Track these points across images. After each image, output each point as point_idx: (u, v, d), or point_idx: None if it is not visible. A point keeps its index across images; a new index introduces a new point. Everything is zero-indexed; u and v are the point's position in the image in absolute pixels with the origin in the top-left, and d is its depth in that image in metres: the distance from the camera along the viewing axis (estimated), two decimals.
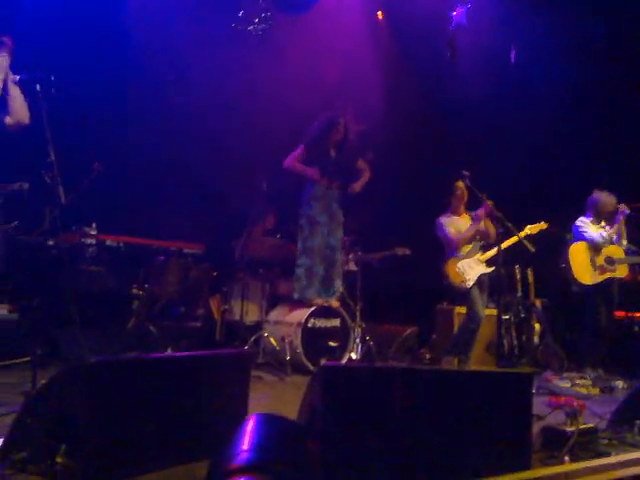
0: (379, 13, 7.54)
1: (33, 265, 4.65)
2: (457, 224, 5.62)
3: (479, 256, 5.51)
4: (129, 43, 6.01)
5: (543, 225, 5.56)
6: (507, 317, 5.90)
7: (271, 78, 6.74)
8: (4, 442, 2.21)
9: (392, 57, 7.30)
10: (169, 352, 5.21)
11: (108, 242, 5.30)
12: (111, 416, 2.25)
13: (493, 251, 5.41)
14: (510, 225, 4.84)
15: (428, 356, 6.07)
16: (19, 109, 3.62)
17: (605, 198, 5.80)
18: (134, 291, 5.48)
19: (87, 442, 2.17)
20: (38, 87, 3.38)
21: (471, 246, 5.56)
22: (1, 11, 5.16)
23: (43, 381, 3.41)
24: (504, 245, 5.12)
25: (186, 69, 6.51)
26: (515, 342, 5.86)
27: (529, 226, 5.49)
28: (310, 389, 2.56)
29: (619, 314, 6.09)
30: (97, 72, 5.90)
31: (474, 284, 5.38)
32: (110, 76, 6.00)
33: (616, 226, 5.71)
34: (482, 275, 5.44)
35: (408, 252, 6.13)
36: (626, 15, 6.32)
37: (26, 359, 3.89)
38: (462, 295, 5.51)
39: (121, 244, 5.40)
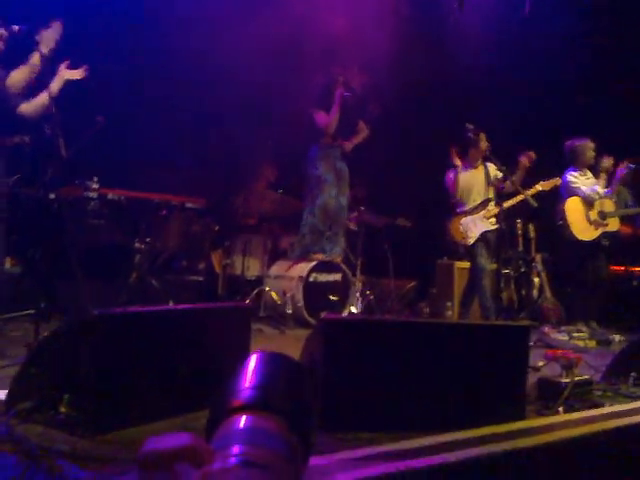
0: None
1: (35, 219, 4.65)
2: (470, 177, 5.44)
3: (485, 212, 5.42)
4: (130, 11, 5.90)
5: (557, 181, 5.48)
6: (507, 271, 5.93)
7: (274, 30, 6.62)
8: (9, 392, 2.26)
9: (398, 9, 7.13)
10: (170, 305, 5.26)
11: (110, 196, 5.28)
12: (114, 367, 2.29)
13: (498, 207, 5.36)
14: (514, 180, 4.82)
15: (427, 310, 6.13)
16: (32, 107, 3.69)
17: (587, 143, 5.74)
18: (136, 245, 5.49)
19: (90, 392, 2.22)
20: (38, 38, 3.33)
21: (479, 200, 5.43)
22: None
23: (46, 333, 3.49)
24: (510, 203, 5.12)
25: (185, 23, 6.38)
26: (514, 296, 5.91)
27: (541, 182, 5.36)
28: (310, 340, 2.60)
29: (618, 268, 6.11)
30: (98, 26, 5.79)
31: (477, 241, 5.30)
32: (112, 30, 5.90)
33: (616, 181, 5.69)
34: (486, 232, 5.36)
35: (409, 224, 6.14)
36: None
37: (29, 312, 3.93)
38: (466, 250, 5.51)
39: (123, 198, 5.39)
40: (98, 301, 4.92)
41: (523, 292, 5.98)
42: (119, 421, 2.24)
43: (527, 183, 5.22)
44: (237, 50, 6.49)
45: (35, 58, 3.65)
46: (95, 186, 5.30)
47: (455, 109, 6.76)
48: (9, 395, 2.26)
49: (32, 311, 3.84)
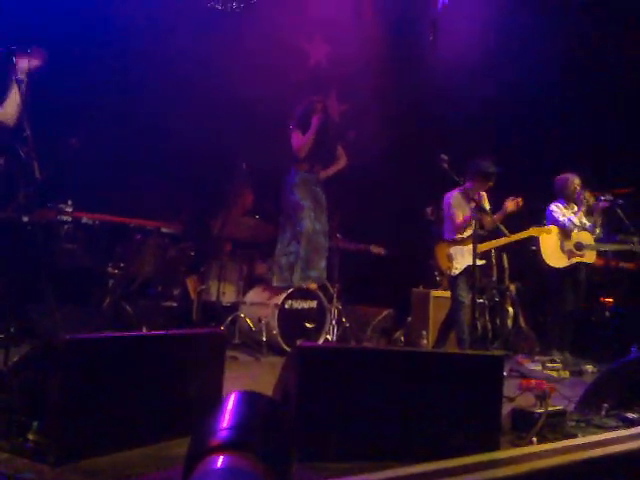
0: None
1: (7, 242, 4.58)
2: (465, 206, 5.29)
3: (474, 246, 5.32)
4: (106, 16, 5.90)
5: (550, 229, 5.53)
6: (481, 301, 5.97)
7: (252, 58, 6.69)
8: None
9: (377, 39, 7.27)
10: (144, 331, 5.19)
11: (84, 220, 5.24)
12: (84, 393, 2.25)
13: (488, 244, 5.32)
14: (495, 218, 4.88)
15: (403, 338, 6.13)
16: (8, 108, 3.55)
17: (572, 178, 5.85)
18: (110, 270, 5.43)
19: (59, 419, 2.17)
20: (14, 59, 3.31)
21: (471, 232, 5.21)
22: None
23: (15, 359, 3.41)
24: (501, 242, 5.15)
25: (166, 45, 6.41)
26: (489, 325, 5.95)
27: (534, 228, 5.35)
28: (285, 369, 2.59)
29: (598, 299, 6.18)
30: (73, 46, 5.77)
31: (461, 273, 5.19)
32: (86, 51, 5.89)
33: (595, 215, 5.78)
34: (470, 267, 5.14)
35: (383, 252, 6.16)
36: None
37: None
38: (447, 280, 5.47)
39: (97, 222, 5.34)
40: (71, 326, 4.85)
41: (497, 321, 6.02)
42: (88, 449, 2.19)
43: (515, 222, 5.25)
44: (216, 75, 6.54)
45: (13, 91, 3.57)
46: (69, 209, 5.25)
47: (432, 138, 6.86)
48: None
49: (1, 335, 3.75)
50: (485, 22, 6.73)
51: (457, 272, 5.19)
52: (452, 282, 5.26)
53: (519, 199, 5.07)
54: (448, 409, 2.53)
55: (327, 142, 5.78)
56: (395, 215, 6.78)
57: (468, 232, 5.20)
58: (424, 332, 5.87)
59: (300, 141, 5.68)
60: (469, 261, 5.10)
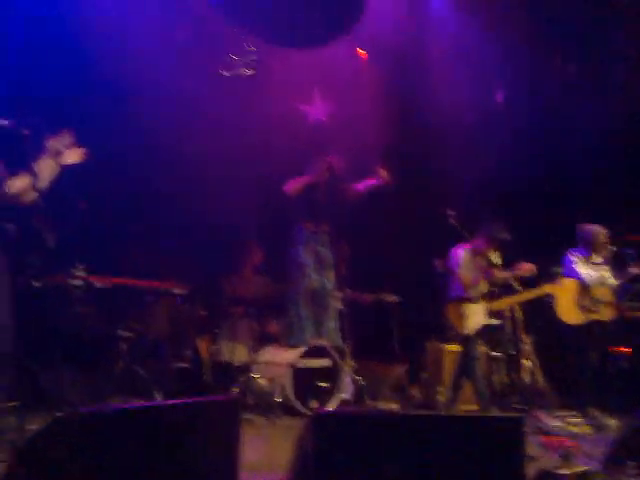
0: (360, 52, 7.64)
1: (19, 307, 4.59)
2: (476, 263, 5.25)
3: (489, 305, 5.22)
4: (118, 86, 6.04)
5: (567, 285, 5.43)
6: (497, 354, 5.88)
7: (257, 118, 6.82)
8: None
9: (378, 92, 7.40)
10: (157, 396, 5.13)
11: (95, 283, 5.24)
12: (100, 467, 2.21)
13: (501, 303, 5.25)
14: (514, 283, 4.84)
15: (419, 396, 6.02)
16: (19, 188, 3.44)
17: (598, 230, 5.68)
18: (121, 332, 5.41)
19: None
20: (26, 132, 3.37)
21: (484, 289, 5.23)
22: None
23: (29, 427, 3.38)
24: (517, 299, 5.10)
25: (174, 107, 6.54)
26: (505, 380, 5.84)
27: (548, 285, 5.32)
28: (302, 437, 2.54)
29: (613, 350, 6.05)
30: (81, 114, 5.89)
31: (475, 332, 5.12)
32: (94, 116, 6.00)
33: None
34: (485, 326, 5.20)
35: (396, 300, 6.10)
36: None
37: (13, 404, 3.81)
38: (460, 337, 5.38)
39: (109, 285, 5.35)
40: (84, 391, 4.82)
41: (514, 376, 5.91)
42: None
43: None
44: (222, 130, 6.65)
45: (43, 165, 3.44)
46: (80, 273, 5.27)
47: (439, 190, 6.91)
48: None
49: (15, 403, 3.73)
50: (492, 69, 6.84)
51: (471, 333, 5.12)
52: (465, 340, 5.20)
53: (533, 267, 5.04)
54: (471, 474, 2.46)
55: (334, 203, 5.81)
56: (404, 268, 6.76)
57: (481, 289, 5.16)
58: (440, 388, 5.77)
59: (294, 181, 5.69)
60: (483, 320, 5.05)
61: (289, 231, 5.92)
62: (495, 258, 5.30)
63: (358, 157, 6.28)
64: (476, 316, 5.10)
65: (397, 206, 7.06)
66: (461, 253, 5.29)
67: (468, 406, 5.51)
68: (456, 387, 5.34)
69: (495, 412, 4.98)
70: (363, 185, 5.88)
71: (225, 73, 6.08)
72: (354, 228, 6.14)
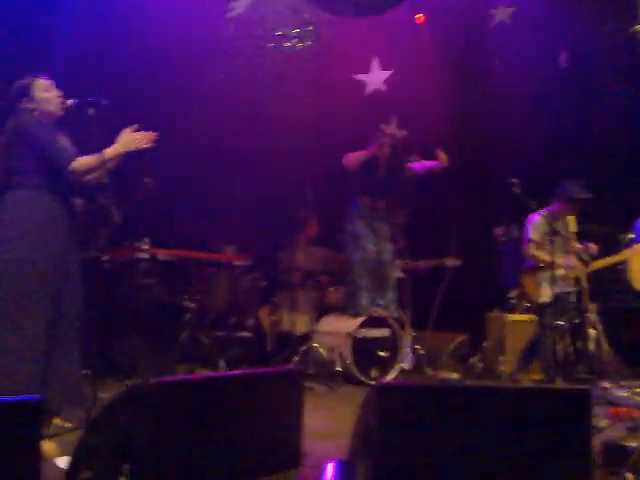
0: (419, 16, 7.45)
1: (88, 281, 4.78)
2: (551, 229, 4.97)
3: (566, 272, 5.07)
4: (172, 64, 6.12)
5: None
6: (561, 323, 5.75)
7: (315, 87, 6.79)
8: (70, 463, 2.28)
9: (436, 60, 7.23)
10: (221, 364, 5.28)
11: (160, 256, 5.40)
12: (169, 436, 2.30)
13: (580, 271, 5.12)
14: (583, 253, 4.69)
15: (480, 365, 5.98)
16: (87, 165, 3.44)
17: None
18: (186, 303, 5.57)
19: (149, 462, 2.22)
20: (91, 111, 3.45)
21: (560, 256, 4.99)
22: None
23: (102, 395, 3.54)
24: (597, 266, 4.97)
25: (228, 83, 6.59)
26: (570, 349, 5.72)
27: (627, 251, 5.13)
28: (365, 407, 2.56)
29: None
30: (143, 87, 6.02)
31: (550, 300, 4.99)
32: (156, 92, 6.12)
33: None
34: (562, 293, 5.06)
35: (458, 263, 5.99)
36: None
37: (85, 372, 3.99)
38: (535, 306, 5.30)
39: (173, 257, 5.50)
40: (150, 360, 5.00)
41: (579, 345, 5.78)
42: None
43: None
44: (283, 102, 6.65)
45: (112, 150, 3.46)
46: (146, 247, 5.43)
47: (501, 158, 6.73)
48: (71, 465, 2.29)
49: (88, 372, 3.89)
50: (557, 41, 6.56)
51: (546, 300, 5.02)
52: (540, 309, 5.11)
53: (594, 246, 4.88)
54: (536, 446, 2.44)
55: (392, 179, 5.75)
56: (466, 238, 6.65)
57: (557, 257, 4.95)
58: (502, 358, 5.72)
59: (353, 155, 5.65)
60: (560, 288, 4.92)
61: (346, 204, 5.91)
62: (573, 225, 5.13)
63: (419, 127, 6.18)
64: (552, 284, 4.92)
65: (460, 176, 6.93)
66: (535, 218, 5.13)
67: (531, 376, 5.45)
68: (528, 357, 5.26)
69: (560, 382, 4.89)
70: (421, 166, 5.79)
71: (276, 45, 6.04)
72: (415, 197, 6.06)
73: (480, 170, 6.88)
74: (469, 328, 6.40)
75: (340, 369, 5.18)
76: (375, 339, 5.41)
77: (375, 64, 7.34)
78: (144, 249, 5.33)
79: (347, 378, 5.19)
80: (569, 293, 5.15)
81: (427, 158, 5.83)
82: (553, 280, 4.86)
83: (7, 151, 3.41)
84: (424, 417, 2.33)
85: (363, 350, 5.29)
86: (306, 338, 5.67)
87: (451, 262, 6.01)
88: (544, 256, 5.01)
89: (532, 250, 5.10)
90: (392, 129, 6.01)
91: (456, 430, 2.34)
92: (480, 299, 6.37)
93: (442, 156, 5.67)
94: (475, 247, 6.41)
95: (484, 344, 6.10)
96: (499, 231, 6.51)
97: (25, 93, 3.44)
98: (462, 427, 2.34)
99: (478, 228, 6.26)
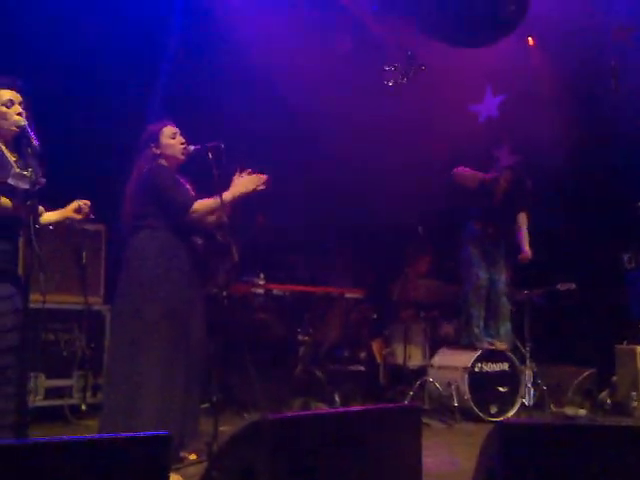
0: (529, 39, 7.26)
1: (209, 315, 4.98)
2: None
3: None
4: (275, 95, 6.31)
5: None
6: None
7: (422, 119, 6.76)
8: None
9: (549, 83, 6.99)
10: (336, 398, 5.28)
11: (275, 291, 5.53)
12: (290, 472, 2.32)
13: None
14: None
15: (609, 401, 5.59)
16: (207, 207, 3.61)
17: None
18: (300, 337, 5.65)
19: None
20: (210, 156, 3.62)
21: None
22: None
23: (222, 428, 3.63)
24: None
25: (339, 118, 6.68)
26: None
27: None
28: (486, 447, 2.47)
29: None
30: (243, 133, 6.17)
31: None
32: (260, 133, 6.29)
33: None
34: None
35: (573, 287, 5.69)
36: None
37: (205, 405, 4.13)
38: None
39: (286, 292, 5.62)
40: (266, 393, 5.10)
41: None
42: None
43: None
44: (388, 144, 6.66)
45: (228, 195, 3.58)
46: (261, 282, 5.59)
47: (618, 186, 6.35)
48: None
49: (206, 404, 4.01)
50: None
51: None
52: None
53: None
54: None
55: (510, 207, 5.61)
56: (584, 263, 6.31)
57: None
58: (633, 393, 5.32)
59: (468, 170, 5.58)
60: None
61: (458, 232, 5.82)
62: None
63: (533, 152, 6.00)
64: None
65: (578, 198, 6.63)
66: None
67: None
68: None
69: None
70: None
71: (389, 84, 6.09)
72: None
73: (604, 195, 6.52)
74: (595, 361, 6.02)
75: (457, 404, 5.03)
76: (493, 373, 5.23)
77: (487, 92, 7.25)
78: (260, 284, 5.48)
79: (465, 414, 5.03)
80: None
81: None
82: None
83: (132, 196, 3.63)
84: (552, 458, 2.21)
85: (481, 385, 5.12)
86: (420, 372, 5.57)
87: (564, 286, 5.70)
88: None
89: None
90: (505, 154, 5.85)
91: (588, 473, 2.19)
92: (607, 331, 5.99)
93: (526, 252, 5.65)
94: (601, 275, 6.06)
95: (613, 378, 5.70)
96: (626, 256, 6.13)
97: (154, 139, 3.65)
98: (597, 470, 2.20)
99: (605, 255, 5.91)
